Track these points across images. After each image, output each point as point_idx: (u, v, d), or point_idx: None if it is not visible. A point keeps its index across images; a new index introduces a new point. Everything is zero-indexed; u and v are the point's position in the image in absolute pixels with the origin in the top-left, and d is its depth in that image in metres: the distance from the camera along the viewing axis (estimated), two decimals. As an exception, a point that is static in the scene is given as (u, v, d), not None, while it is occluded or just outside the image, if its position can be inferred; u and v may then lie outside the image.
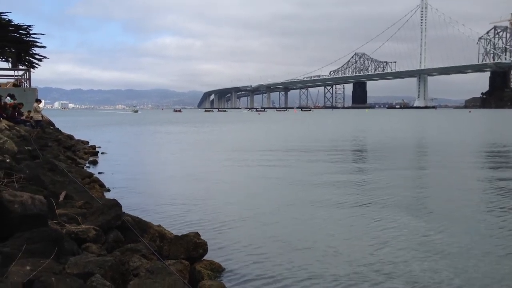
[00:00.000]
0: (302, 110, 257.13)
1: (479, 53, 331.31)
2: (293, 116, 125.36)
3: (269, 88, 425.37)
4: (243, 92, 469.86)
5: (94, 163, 19.70)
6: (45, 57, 57.27)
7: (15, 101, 27.52)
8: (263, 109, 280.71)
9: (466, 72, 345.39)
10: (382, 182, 14.65)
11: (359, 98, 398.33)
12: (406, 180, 15.16)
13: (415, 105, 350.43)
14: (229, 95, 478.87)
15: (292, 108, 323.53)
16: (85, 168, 17.37)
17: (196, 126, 63.61)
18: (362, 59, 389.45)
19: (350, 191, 13.07)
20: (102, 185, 13.17)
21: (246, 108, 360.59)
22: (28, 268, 4.27)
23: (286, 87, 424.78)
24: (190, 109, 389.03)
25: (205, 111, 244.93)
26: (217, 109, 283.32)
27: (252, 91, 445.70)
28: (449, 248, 7.80)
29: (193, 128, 57.81)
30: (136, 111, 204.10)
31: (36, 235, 4.93)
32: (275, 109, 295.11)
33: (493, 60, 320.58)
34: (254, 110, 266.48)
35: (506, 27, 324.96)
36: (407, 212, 10.38)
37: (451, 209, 10.74)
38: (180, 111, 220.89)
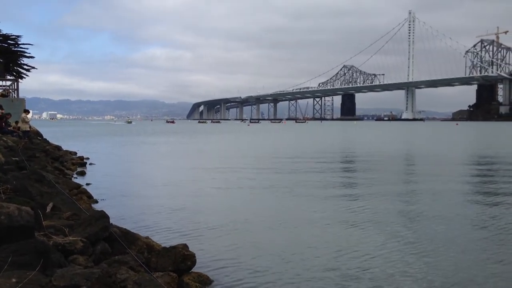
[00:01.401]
0: (296, 121, 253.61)
1: (466, 66, 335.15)
2: (288, 128, 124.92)
3: (259, 100, 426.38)
4: (232, 104, 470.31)
5: (82, 174, 19.57)
6: (33, 67, 57.18)
7: (3, 112, 27.33)
8: (257, 121, 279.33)
9: (453, 85, 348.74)
10: (371, 193, 14.70)
11: (348, 110, 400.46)
12: (392, 191, 15.21)
13: (403, 117, 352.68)
14: (218, 106, 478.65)
15: (282, 119, 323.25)
16: (72, 179, 17.25)
17: (186, 137, 63.53)
18: (350, 71, 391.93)
19: (338, 201, 13.09)
20: (90, 196, 13.07)
21: (240, 119, 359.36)
22: (14, 280, 4.23)
23: (275, 98, 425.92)
24: (179, 120, 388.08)
25: (199, 122, 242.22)
26: (210, 120, 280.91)
27: (242, 103, 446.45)
28: (435, 255, 7.86)
29: (187, 139, 57.72)
30: (130, 122, 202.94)
31: (23, 247, 4.89)
32: (270, 121, 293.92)
33: (480, 73, 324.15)
34: (248, 121, 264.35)
35: (493, 41, 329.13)
36: (393, 222, 10.43)
37: (438, 216, 10.82)
38: (173, 122, 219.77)
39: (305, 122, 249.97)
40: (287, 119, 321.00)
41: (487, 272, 7.24)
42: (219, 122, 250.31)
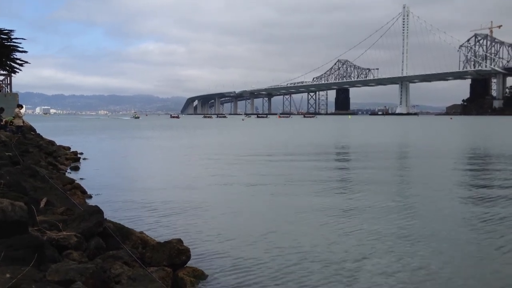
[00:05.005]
0: (304, 116, 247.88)
1: (460, 61, 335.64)
2: (303, 123, 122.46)
3: (253, 94, 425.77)
4: (226, 98, 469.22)
5: (76, 169, 19.52)
6: (26, 62, 56.58)
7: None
8: (265, 115, 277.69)
9: (447, 79, 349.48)
10: (367, 188, 14.74)
11: (342, 105, 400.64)
12: (388, 184, 15.28)
13: (397, 111, 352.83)
14: (212, 101, 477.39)
15: (276, 114, 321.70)
16: (66, 174, 17.19)
17: (186, 132, 63.43)
18: (345, 66, 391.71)
19: (334, 196, 13.14)
20: (83, 191, 13.04)
21: (245, 114, 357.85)
22: (8, 275, 4.22)
23: (269, 93, 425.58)
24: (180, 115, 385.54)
25: (204, 117, 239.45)
26: (216, 115, 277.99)
27: (236, 97, 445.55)
28: (430, 248, 7.90)
29: (190, 133, 57.62)
30: (138, 117, 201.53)
31: (17, 242, 4.88)
32: (278, 115, 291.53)
33: (474, 67, 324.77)
34: (256, 116, 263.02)
35: (486, 35, 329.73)
36: (391, 217, 10.47)
37: (432, 210, 10.87)
38: (177, 117, 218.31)
39: (314, 116, 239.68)
40: (281, 114, 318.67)
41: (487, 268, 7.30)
42: (225, 116, 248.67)
